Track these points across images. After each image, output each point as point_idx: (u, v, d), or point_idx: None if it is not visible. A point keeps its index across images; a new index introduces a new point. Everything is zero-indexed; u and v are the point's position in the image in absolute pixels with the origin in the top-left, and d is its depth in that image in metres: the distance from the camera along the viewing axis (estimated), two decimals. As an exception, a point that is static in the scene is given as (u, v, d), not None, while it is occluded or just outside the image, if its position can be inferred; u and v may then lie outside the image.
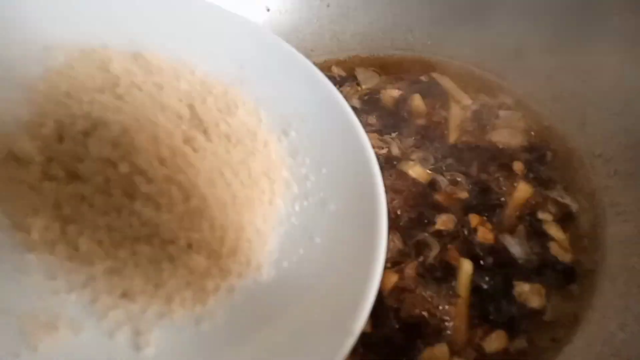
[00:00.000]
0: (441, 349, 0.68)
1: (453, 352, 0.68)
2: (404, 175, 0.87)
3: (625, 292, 0.69)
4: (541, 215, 0.81)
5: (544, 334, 0.69)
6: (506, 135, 0.92)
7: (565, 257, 0.76)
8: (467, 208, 0.82)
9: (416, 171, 0.87)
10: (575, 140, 0.90)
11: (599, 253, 0.76)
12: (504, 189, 0.84)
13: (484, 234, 0.78)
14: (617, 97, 0.87)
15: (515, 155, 0.89)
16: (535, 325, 0.70)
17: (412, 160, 0.89)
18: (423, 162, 0.89)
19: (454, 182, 0.86)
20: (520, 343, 0.69)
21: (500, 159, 0.89)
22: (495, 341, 0.69)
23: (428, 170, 0.87)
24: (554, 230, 0.78)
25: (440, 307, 0.71)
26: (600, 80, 0.89)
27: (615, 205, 0.80)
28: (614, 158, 0.84)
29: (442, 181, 0.86)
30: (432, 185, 0.85)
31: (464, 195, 0.84)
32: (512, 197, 0.83)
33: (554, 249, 0.76)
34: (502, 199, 0.83)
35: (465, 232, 0.79)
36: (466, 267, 0.74)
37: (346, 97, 1.00)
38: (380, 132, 0.95)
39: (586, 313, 0.70)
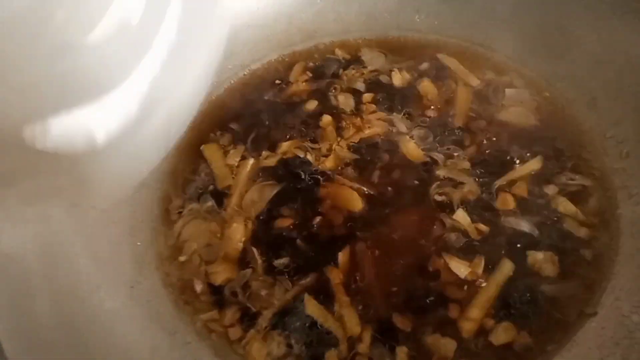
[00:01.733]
0: (447, 343, 0.67)
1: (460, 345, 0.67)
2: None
3: (638, 275, 0.68)
4: (550, 191, 0.80)
5: (555, 318, 0.68)
6: (515, 114, 0.91)
7: (580, 231, 0.75)
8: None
9: (409, 147, 0.87)
10: (586, 122, 0.88)
11: (610, 236, 0.75)
12: (514, 162, 0.84)
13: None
14: (629, 77, 0.85)
15: (523, 134, 0.88)
16: (548, 309, 0.69)
17: (411, 137, 0.88)
18: (421, 140, 0.88)
19: (449, 156, 0.85)
20: (524, 337, 0.68)
21: (508, 136, 0.88)
22: (502, 334, 0.67)
23: (421, 148, 0.87)
24: (565, 206, 0.77)
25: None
26: (612, 60, 0.87)
27: (627, 187, 0.79)
28: (626, 140, 0.83)
29: (438, 156, 0.85)
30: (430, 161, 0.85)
31: (465, 165, 0.83)
32: (519, 169, 0.83)
33: (569, 223, 0.75)
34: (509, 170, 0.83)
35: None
36: (507, 267, 0.72)
37: (351, 80, 1.02)
38: (387, 111, 0.94)
39: (599, 296, 0.69)
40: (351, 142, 0.90)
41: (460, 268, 0.72)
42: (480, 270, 0.72)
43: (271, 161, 0.89)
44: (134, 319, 0.72)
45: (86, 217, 0.79)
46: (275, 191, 0.84)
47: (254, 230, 0.81)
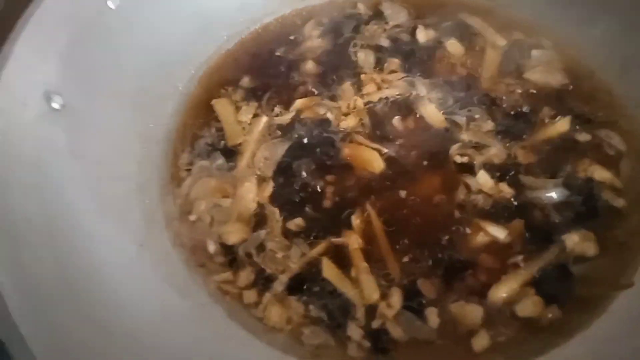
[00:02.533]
0: (474, 309, 0.65)
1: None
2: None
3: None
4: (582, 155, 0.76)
5: (589, 290, 0.65)
6: (542, 75, 0.86)
7: (616, 201, 0.72)
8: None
9: (429, 110, 0.82)
10: (618, 88, 0.84)
11: (644, 209, 0.72)
12: (541, 123, 0.80)
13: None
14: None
15: (550, 95, 0.84)
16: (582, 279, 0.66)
17: (431, 100, 0.84)
18: (442, 103, 0.84)
19: (472, 119, 0.81)
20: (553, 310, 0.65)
21: (535, 97, 0.84)
22: (530, 307, 0.64)
23: (442, 112, 0.83)
24: (600, 173, 0.74)
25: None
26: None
27: (661, 156, 0.75)
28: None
29: (459, 119, 0.81)
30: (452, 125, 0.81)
31: (489, 126, 0.79)
32: (547, 130, 0.79)
33: (604, 192, 0.72)
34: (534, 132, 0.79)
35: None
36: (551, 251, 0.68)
37: (373, 37, 0.96)
38: (408, 74, 0.88)
39: (636, 266, 0.66)
40: (370, 100, 0.85)
41: (498, 231, 0.69)
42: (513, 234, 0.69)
43: (285, 118, 0.84)
44: (143, 278, 0.69)
45: (91, 170, 0.75)
46: (286, 147, 0.80)
47: (269, 189, 0.77)
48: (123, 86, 0.84)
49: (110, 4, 0.84)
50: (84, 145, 0.76)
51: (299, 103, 0.86)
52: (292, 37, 0.99)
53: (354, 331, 0.65)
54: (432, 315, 0.64)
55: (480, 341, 0.64)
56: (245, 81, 0.92)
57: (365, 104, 0.85)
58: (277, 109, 0.86)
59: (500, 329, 0.64)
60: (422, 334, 0.64)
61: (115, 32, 0.84)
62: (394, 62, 0.90)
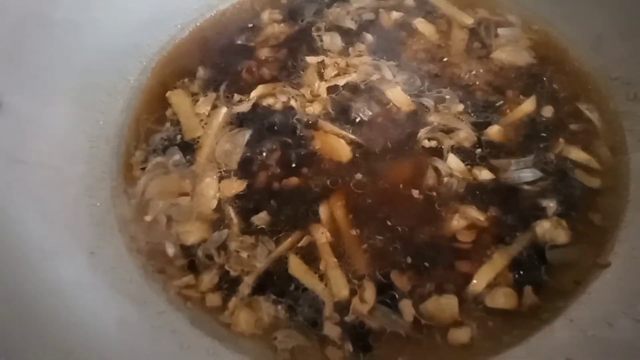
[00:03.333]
0: (449, 301, 0.61)
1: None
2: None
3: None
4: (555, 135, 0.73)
5: (566, 274, 0.63)
6: (509, 53, 0.83)
7: (591, 181, 0.69)
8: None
9: (395, 94, 0.78)
10: (589, 62, 0.82)
11: (621, 181, 0.69)
12: (507, 103, 0.77)
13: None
14: (635, 15, 0.77)
15: (517, 74, 0.81)
16: (558, 263, 0.63)
17: (397, 83, 0.80)
18: (409, 85, 0.80)
19: (440, 100, 0.77)
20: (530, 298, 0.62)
21: (502, 77, 0.81)
22: (501, 298, 0.61)
23: (409, 94, 0.79)
24: (576, 153, 0.71)
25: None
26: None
27: (635, 131, 0.73)
28: (633, 81, 0.77)
29: (427, 102, 0.77)
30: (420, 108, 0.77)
31: (459, 108, 0.76)
32: (514, 112, 0.76)
33: (579, 173, 0.69)
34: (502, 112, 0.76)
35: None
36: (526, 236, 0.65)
37: (337, 19, 0.91)
38: (374, 56, 0.84)
39: (612, 246, 0.64)
40: (335, 84, 0.81)
41: (474, 213, 0.66)
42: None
43: (245, 106, 0.79)
44: (96, 288, 0.63)
45: (34, 175, 0.68)
46: (247, 137, 0.75)
47: (235, 185, 0.72)
48: (69, 82, 0.78)
49: None
50: (26, 148, 0.70)
51: (259, 89, 0.81)
52: (251, 24, 0.94)
53: (331, 329, 0.61)
54: (407, 308, 0.61)
55: (461, 334, 0.60)
56: (202, 71, 0.86)
57: (330, 89, 0.80)
58: (236, 97, 0.81)
59: (478, 318, 0.60)
60: (398, 328, 0.61)
61: (59, 25, 0.78)
62: (360, 46, 0.86)
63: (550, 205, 0.66)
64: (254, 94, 0.80)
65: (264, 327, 0.62)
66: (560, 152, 0.72)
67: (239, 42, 0.91)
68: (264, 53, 0.88)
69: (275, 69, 0.85)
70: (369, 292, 0.61)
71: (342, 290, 0.62)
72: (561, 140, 0.73)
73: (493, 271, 0.62)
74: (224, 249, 0.66)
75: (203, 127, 0.78)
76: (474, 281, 0.62)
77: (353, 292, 0.62)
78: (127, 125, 0.81)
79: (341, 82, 0.81)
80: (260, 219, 0.68)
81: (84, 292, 0.62)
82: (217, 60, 0.88)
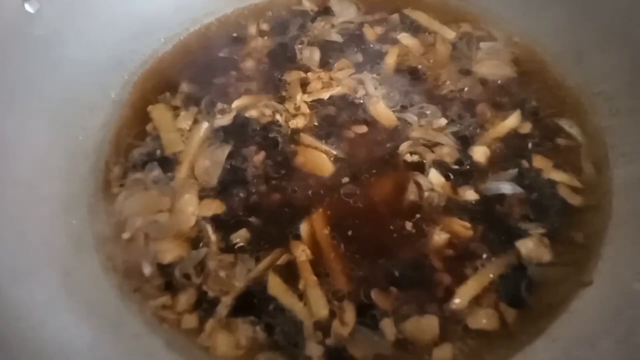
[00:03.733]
0: (430, 321, 0.60)
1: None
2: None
3: (636, 238, 0.63)
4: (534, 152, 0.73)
5: (548, 293, 0.62)
6: (491, 67, 0.83)
7: (574, 199, 0.68)
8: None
9: (378, 109, 0.78)
10: (572, 77, 0.82)
11: (604, 198, 0.69)
12: (490, 119, 0.77)
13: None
14: (618, 29, 0.78)
15: (500, 88, 0.81)
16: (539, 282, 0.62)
17: (379, 97, 0.80)
18: (392, 100, 0.80)
19: (422, 115, 0.77)
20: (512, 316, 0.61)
21: (484, 91, 0.81)
22: (483, 319, 0.60)
23: (392, 109, 0.79)
24: (555, 174, 0.70)
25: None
26: (598, 12, 0.80)
27: (618, 145, 0.73)
28: (615, 96, 0.76)
29: (409, 117, 0.77)
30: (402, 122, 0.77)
31: (441, 122, 0.76)
32: (497, 128, 0.75)
33: (562, 190, 0.69)
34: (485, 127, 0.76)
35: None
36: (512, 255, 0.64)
37: (322, 33, 0.91)
38: (357, 71, 0.84)
39: (595, 264, 0.63)
40: (318, 98, 0.81)
41: (456, 226, 0.65)
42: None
43: (226, 119, 0.78)
44: (70, 310, 0.61)
45: (10, 193, 0.67)
46: (227, 152, 0.74)
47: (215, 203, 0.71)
48: (47, 97, 0.77)
49: (29, 8, 0.76)
50: (2, 165, 0.68)
51: (242, 99, 0.81)
52: (235, 38, 0.93)
53: (313, 349, 0.59)
54: (389, 328, 0.59)
55: (442, 353, 0.59)
56: (185, 85, 0.86)
57: (313, 103, 0.80)
58: (219, 106, 0.81)
59: (460, 338, 0.59)
60: (381, 349, 0.59)
61: (37, 39, 0.77)
62: (343, 60, 0.85)
63: (532, 223, 0.66)
64: (236, 104, 0.80)
65: (243, 349, 0.60)
66: (543, 171, 0.71)
67: (222, 55, 0.90)
68: (247, 67, 0.88)
69: (258, 83, 0.85)
70: (349, 314, 0.60)
71: (321, 309, 0.60)
72: (543, 157, 0.72)
73: (475, 290, 0.61)
74: (202, 268, 0.65)
75: (184, 141, 0.77)
76: (456, 300, 0.60)
77: (333, 314, 0.60)
78: (107, 141, 0.80)
79: (325, 95, 0.81)
80: (240, 236, 0.67)
81: (57, 314, 0.60)
82: (200, 74, 0.87)
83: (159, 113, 0.81)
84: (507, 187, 0.69)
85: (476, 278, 0.62)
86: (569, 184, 0.70)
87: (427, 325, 0.60)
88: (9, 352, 0.54)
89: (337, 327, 0.59)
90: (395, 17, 0.92)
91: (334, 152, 0.74)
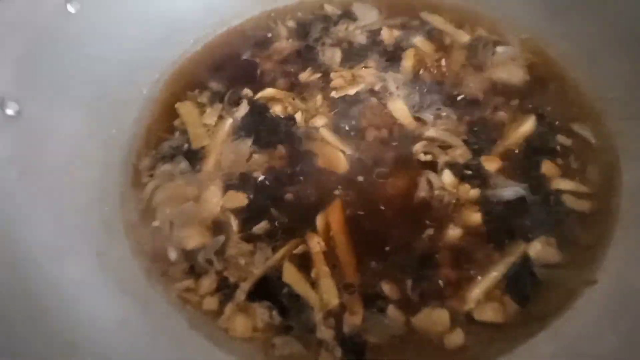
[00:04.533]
0: (441, 314, 0.63)
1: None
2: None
3: (640, 240, 0.65)
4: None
5: (554, 291, 0.64)
6: (506, 72, 0.85)
7: (581, 205, 0.70)
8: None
9: (397, 107, 0.81)
10: (586, 83, 0.83)
11: (613, 201, 0.70)
12: (504, 122, 0.78)
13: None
14: (632, 34, 0.79)
15: (515, 92, 0.83)
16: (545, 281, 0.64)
17: (399, 96, 0.83)
18: (410, 99, 0.83)
19: (438, 116, 0.80)
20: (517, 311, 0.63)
21: (499, 95, 0.83)
22: (489, 311, 0.62)
23: (410, 108, 0.82)
24: (564, 183, 0.72)
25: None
26: (614, 16, 0.81)
27: (630, 150, 0.74)
28: (629, 102, 0.78)
29: (426, 116, 0.80)
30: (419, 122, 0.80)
31: (455, 125, 0.78)
32: (512, 134, 0.77)
33: (568, 199, 0.70)
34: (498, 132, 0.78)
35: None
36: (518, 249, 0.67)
37: (344, 36, 0.94)
38: (377, 71, 0.87)
39: (601, 263, 0.65)
40: (339, 96, 0.84)
41: (470, 219, 0.68)
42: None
43: (243, 109, 0.83)
44: (102, 289, 0.66)
45: (50, 179, 0.72)
46: (249, 145, 0.79)
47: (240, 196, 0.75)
48: (84, 92, 0.82)
49: (71, 9, 0.81)
50: (44, 154, 0.74)
51: (264, 92, 0.85)
52: (260, 39, 0.97)
53: (325, 333, 0.63)
54: (397, 314, 0.63)
55: (454, 339, 0.62)
56: (211, 84, 0.90)
57: (333, 101, 0.84)
58: (245, 91, 0.86)
59: (466, 329, 0.62)
60: (393, 331, 0.62)
61: (76, 37, 0.82)
62: (364, 61, 0.89)
63: (540, 226, 0.68)
64: (259, 95, 0.85)
65: (259, 331, 0.64)
66: (552, 179, 0.73)
67: (247, 56, 0.95)
68: (271, 67, 0.92)
69: (281, 83, 0.89)
70: (357, 303, 0.63)
71: (332, 298, 0.64)
72: (554, 165, 0.74)
73: (483, 292, 0.63)
74: (222, 254, 0.69)
75: (209, 136, 0.82)
76: (467, 298, 0.63)
77: (343, 306, 0.64)
78: (139, 134, 0.85)
79: (351, 91, 0.84)
80: (260, 227, 0.71)
81: (90, 291, 0.65)
82: (226, 74, 0.92)
83: (186, 109, 0.86)
84: (516, 193, 0.70)
85: (484, 280, 0.64)
86: (577, 190, 0.71)
87: (438, 317, 0.63)
88: (47, 324, 0.59)
89: (348, 318, 0.63)
90: (415, 21, 0.95)
91: (350, 150, 0.77)
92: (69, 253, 0.68)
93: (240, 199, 0.75)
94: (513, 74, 0.84)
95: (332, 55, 0.90)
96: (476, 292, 0.63)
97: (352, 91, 0.84)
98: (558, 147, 0.76)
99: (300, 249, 0.68)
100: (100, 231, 0.73)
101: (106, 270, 0.68)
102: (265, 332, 0.64)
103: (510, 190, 0.70)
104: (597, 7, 0.84)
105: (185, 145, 0.81)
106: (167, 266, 0.70)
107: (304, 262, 0.67)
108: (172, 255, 0.71)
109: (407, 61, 0.88)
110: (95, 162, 0.79)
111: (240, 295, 0.66)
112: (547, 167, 0.73)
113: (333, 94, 0.85)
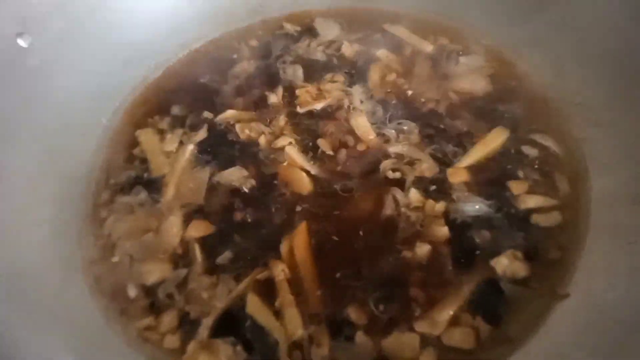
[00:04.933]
0: (411, 339, 0.60)
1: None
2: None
3: (611, 250, 0.63)
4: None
5: (524, 307, 0.62)
6: (470, 82, 0.84)
7: (548, 219, 0.68)
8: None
9: (360, 123, 0.79)
10: (552, 89, 0.82)
11: (581, 212, 0.69)
12: (471, 134, 0.77)
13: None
14: (597, 41, 0.78)
15: (481, 103, 0.82)
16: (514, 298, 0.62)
17: (362, 111, 0.81)
18: (373, 115, 0.81)
19: (401, 131, 0.78)
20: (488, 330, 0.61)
21: (465, 106, 0.81)
22: (458, 336, 0.60)
23: (372, 124, 0.80)
24: (530, 200, 0.70)
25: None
26: (578, 23, 0.81)
27: (597, 157, 0.73)
28: (595, 107, 0.77)
29: (389, 132, 0.78)
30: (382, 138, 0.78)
31: (418, 139, 0.77)
32: (479, 146, 0.76)
33: (536, 217, 0.68)
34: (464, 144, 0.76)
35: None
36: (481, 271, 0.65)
37: (308, 52, 0.93)
38: (340, 87, 0.86)
39: (571, 276, 0.63)
40: (304, 110, 0.83)
41: (436, 234, 0.66)
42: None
43: (202, 134, 0.81)
44: (55, 333, 0.63)
45: (4, 218, 0.69)
46: (208, 173, 0.76)
47: (198, 225, 0.72)
48: (40, 125, 0.79)
49: (22, 43, 0.79)
50: (-4, 192, 0.71)
51: (228, 113, 0.83)
52: (222, 61, 0.96)
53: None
54: (365, 340, 0.60)
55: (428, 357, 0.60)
56: (173, 109, 0.88)
57: (297, 120, 0.82)
58: (200, 128, 0.83)
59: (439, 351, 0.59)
60: (363, 358, 0.60)
61: (30, 70, 0.80)
62: (329, 76, 0.87)
63: (506, 240, 0.66)
64: (221, 116, 0.83)
65: (225, 367, 0.62)
66: (516, 192, 0.71)
67: (209, 78, 0.93)
68: (233, 88, 0.90)
69: (243, 103, 0.87)
70: (323, 334, 0.61)
71: (297, 329, 0.61)
72: (516, 182, 0.72)
73: (451, 309, 0.61)
74: (184, 288, 0.66)
75: (170, 164, 0.79)
76: (434, 319, 0.61)
77: (310, 338, 0.61)
78: (97, 166, 0.82)
79: (318, 106, 0.83)
80: (224, 257, 0.69)
81: (42, 336, 0.62)
82: (187, 98, 0.90)
83: (146, 137, 0.83)
84: (482, 207, 0.69)
85: (452, 300, 0.62)
86: (545, 205, 0.69)
87: (407, 342, 0.60)
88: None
89: (315, 350, 0.60)
90: (377, 35, 0.94)
91: (315, 170, 0.75)
92: (21, 295, 0.64)
93: (205, 227, 0.72)
94: (477, 83, 0.84)
95: (294, 72, 0.89)
96: (444, 313, 0.60)
97: (318, 106, 0.83)
98: (524, 157, 0.75)
99: (264, 275, 0.66)
100: (56, 271, 0.69)
101: (61, 312, 0.65)
102: (230, 370, 0.61)
103: (476, 205, 0.68)
104: (560, 13, 0.83)
105: (145, 174, 0.79)
106: (126, 304, 0.67)
107: (268, 291, 0.65)
108: (132, 291, 0.68)
109: (374, 74, 0.86)
110: (52, 198, 0.76)
111: (203, 331, 0.63)
112: (514, 183, 0.72)
113: (298, 109, 0.83)
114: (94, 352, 0.62)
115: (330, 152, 0.77)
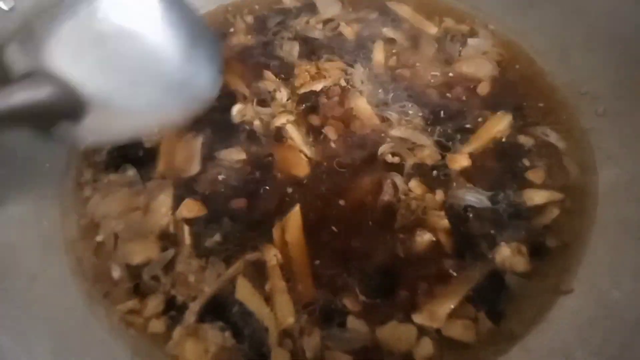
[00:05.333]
0: (408, 330, 0.58)
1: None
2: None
3: (618, 246, 0.61)
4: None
5: (526, 302, 0.60)
6: (476, 66, 0.81)
7: (552, 212, 0.66)
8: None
9: (360, 105, 0.76)
10: (559, 77, 0.79)
11: (588, 202, 0.67)
12: (475, 120, 0.74)
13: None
14: (605, 28, 0.75)
15: (487, 88, 0.78)
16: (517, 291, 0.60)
17: (362, 93, 0.78)
18: (374, 97, 0.78)
19: (404, 114, 0.75)
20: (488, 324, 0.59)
21: (469, 91, 0.78)
22: (459, 328, 0.58)
23: (375, 106, 0.77)
24: (536, 195, 0.68)
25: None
26: (586, 9, 0.77)
27: (604, 148, 0.71)
28: (602, 96, 0.74)
29: (391, 115, 0.75)
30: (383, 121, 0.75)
31: (421, 123, 0.74)
32: (482, 132, 0.73)
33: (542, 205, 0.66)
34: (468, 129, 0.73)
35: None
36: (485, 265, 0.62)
37: (306, 29, 0.89)
38: (340, 66, 0.82)
39: (575, 271, 0.61)
40: (303, 91, 0.79)
41: (438, 224, 0.64)
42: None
43: None
44: (34, 316, 0.59)
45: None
46: (200, 140, 0.72)
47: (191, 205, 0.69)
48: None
49: (2, 5, 0.74)
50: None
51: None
52: (217, 34, 0.91)
53: (280, 356, 0.57)
54: (356, 323, 0.58)
55: (424, 348, 0.57)
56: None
57: (296, 98, 0.78)
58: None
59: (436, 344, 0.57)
60: (354, 344, 0.58)
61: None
62: (326, 56, 0.84)
63: (508, 232, 0.64)
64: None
65: (211, 357, 0.59)
66: (520, 183, 0.69)
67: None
68: (228, 64, 0.85)
69: (241, 78, 0.83)
70: (314, 323, 0.58)
71: (288, 317, 0.58)
72: (531, 172, 0.70)
73: (452, 302, 0.59)
74: (171, 271, 0.63)
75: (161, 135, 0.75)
76: (434, 312, 0.58)
77: (301, 327, 0.59)
78: (82, 141, 0.78)
79: (317, 87, 0.79)
80: (213, 241, 0.65)
81: (21, 319, 0.59)
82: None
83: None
84: (484, 197, 0.66)
85: (451, 291, 0.59)
86: (549, 197, 0.67)
87: (404, 333, 0.58)
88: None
89: (306, 339, 0.58)
90: (381, 12, 0.90)
91: (312, 152, 0.72)
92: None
93: (198, 208, 0.69)
94: (483, 68, 0.80)
95: (290, 49, 0.84)
96: (445, 307, 0.58)
97: (317, 87, 0.79)
98: (530, 146, 0.72)
99: (255, 258, 0.63)
100: (36, 250, 0.66)
101: (41, 294, 0.62)
102: (217, 357, 0.58)
103: (478, 195, 0.66)
104: (569, 1, 0.80)
105: (133, 152, 0.75)
106: (109, 286, 0.64)
107: (259, 276, 0.62)
108: (116, 273, 0.64)
109: (377, 54, 0.83)
110: (33, 175, 0.72)
111: (190, 316, 0.60)
112: (530, 172, 0.69)
113: (296, 88, 0.79)
114: (75, 339, 0.59)
115: (329, 134, 0.74)
